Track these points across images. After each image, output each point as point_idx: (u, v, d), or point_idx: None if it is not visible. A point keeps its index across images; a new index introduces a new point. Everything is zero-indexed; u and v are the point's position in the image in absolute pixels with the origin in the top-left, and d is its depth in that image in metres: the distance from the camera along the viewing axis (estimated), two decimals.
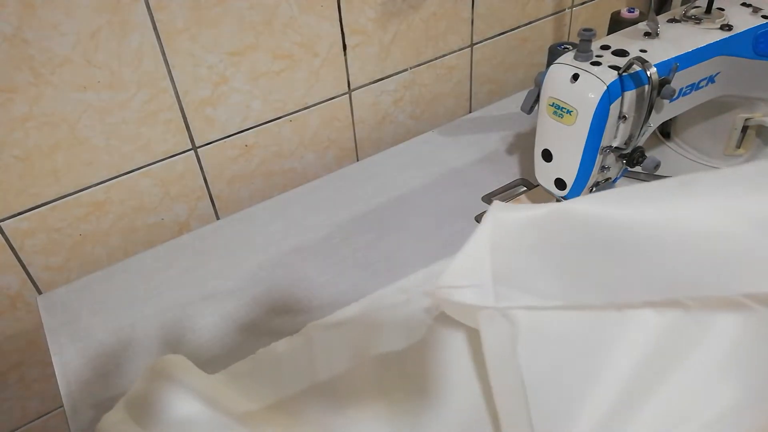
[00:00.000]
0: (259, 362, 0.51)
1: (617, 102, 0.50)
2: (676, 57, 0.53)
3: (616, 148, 0.53)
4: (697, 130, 0.70)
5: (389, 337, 0.52)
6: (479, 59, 0.88)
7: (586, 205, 0.38)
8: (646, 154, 0.54)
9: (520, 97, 0.71)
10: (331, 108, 0.77)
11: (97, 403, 0.50)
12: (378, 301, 0.55)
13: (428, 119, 0.88)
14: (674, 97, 0.52)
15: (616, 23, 0.77)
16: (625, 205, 0.38)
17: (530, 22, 0.90)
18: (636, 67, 0.49)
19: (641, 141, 0.53)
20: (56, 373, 0.53)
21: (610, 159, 0.54)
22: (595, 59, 0.51)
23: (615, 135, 0.53)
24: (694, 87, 0.56)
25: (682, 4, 0.66)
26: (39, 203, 0.63)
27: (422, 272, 0.58)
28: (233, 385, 0.49)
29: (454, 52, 0.84)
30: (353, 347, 0.51)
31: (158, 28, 0.60)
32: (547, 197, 0.63)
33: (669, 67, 0.51)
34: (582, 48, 0.51)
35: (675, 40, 0.54)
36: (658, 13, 0.57)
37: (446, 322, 0.53)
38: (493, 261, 0.42)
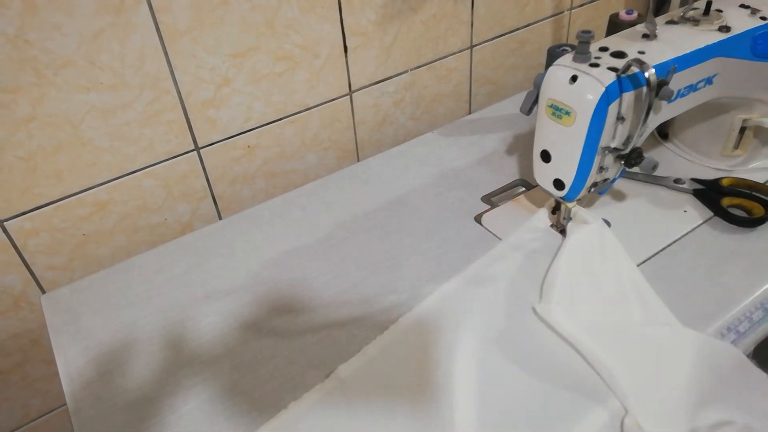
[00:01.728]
0: (293, 416, 0.48)
1: (615, 103, 0.51)
2: (674, 58, 0.53)
3: (614, 148, 0.54)
4: (695, 131, 0.70)
5: (415, 360, 0.51)
6: (479, 61, 0.88)
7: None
8: (644, 154, 0.54)
9: (520, 98, 0.72)
10: (332, 109, 0.78)
11: (100, 402, 0.50)
12: (398, 328, 0.54)
13: (428, 120, 0.89)
14: (672, 98, 0.52)
15: (615, 25, 0.78)
16: None
17: (529, 24, 0.90)
18: (634, 69, 0.50)
19: (639, 142, 0.53)
20: (59, 372, 0.53)
21: (609, 160, 0.55)
22: (593, 61, 0.51)
23: (613, 136, 0.53)
24: (692, 88, 0.57)
25: (680, 6, 0.67)
26: (42, 203, 0.63)
27: (437, 292, 0.57)
28: None
29: (454, 53, 0.85)
30: (386, 382, 0.50)
31: (161, 30, 0.60)
32: (546, 197, 0.64)
33: (667, 69, 0.51)
34: (581, 50, 0.52)
35: (673, 41, 0.55)
36: (656, 15, 0.58)
37: (460, 329, 0.53)
38: None
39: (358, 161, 0.83)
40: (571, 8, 0.94)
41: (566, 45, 0.75)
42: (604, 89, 0.49)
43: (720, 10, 0.59)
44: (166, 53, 0.62)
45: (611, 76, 0.50)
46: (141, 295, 0.60)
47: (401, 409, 0.48)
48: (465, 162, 0.75)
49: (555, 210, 0.63)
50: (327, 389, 0.50)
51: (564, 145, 0.54)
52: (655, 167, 0.54)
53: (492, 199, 0.69)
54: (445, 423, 0.46)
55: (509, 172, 0.72)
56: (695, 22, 0.58)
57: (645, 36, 0.56)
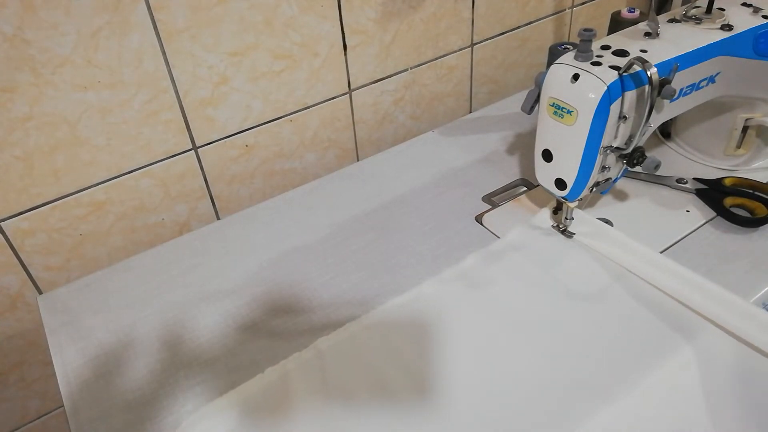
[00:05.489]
0: (268, 380, 0.50)
1: (617, 102, 0.50)
2: (676, 57, 0.53)
3: (616, 148, 0.53)
4: (697, 130, 0.70)
5: (398, 342, 0.51)
6: (479, 59, 0.88)
7: None
8: (647, 154, 0.53)
9: (521, 97, 0.71)
10: (332, 108, 0.77)
11: (98, 403, 0.50)
12: (385, 310, 0.55)
13: (428, 119, 0.88)
14: (674, 97, 0.52)
15: (617, 23, 0.77)
16: None
17: (530, 22, 0.90)
18: (636, 67, 0.49)
19: (641, 141, 0.53)
20: (56, 373, 0.53)
21: (611, 159, 0.54)
22: (595, 59, 0.51)
23: (615, 135, 0.53)
24: (695, 87, 0.56)
25: (682, 4, 0.66)
26: (39, 203, 0.63)
27: (431, 281, 0.57)
28: (243, 407, 0.48)
29: (455, 52, 0.84)
30: (364, 358, 0.50)
31: (159, 28, 0.60)
32: (548, 197, 0.63)
33: (669, 67, 0.51)
34: (582, 48, 0.51)
35: (675, 40, 0.54)
36: (658, 13, 0.57)
37: (453, 323, 0.53)
38: None
39: (358, 160, 0.82)
40: (573, 6, 0.94)
41: (568, 43, 0.74)
42: (606, 88, 0.49)
43: (722, 9, 0.59)
44: (163, 52, 0.61)
45: (613, 75, 0.49)
46: (139, 295, 0.60)
47: (375, 388, 0.48)
48: (465, 161, 0.74)
49: (557, 210, 0.62)
50: (305, 358, 0.51)
51: (566, 145, 0.54)
52: (657, 167, 0.53)
53: (493, 199, 0.68)
54: (419, 413, 0.46)
55: (510, 172, 0.72)
56: (697, 20, 0.57)
57: (647, 34, 0.55)
